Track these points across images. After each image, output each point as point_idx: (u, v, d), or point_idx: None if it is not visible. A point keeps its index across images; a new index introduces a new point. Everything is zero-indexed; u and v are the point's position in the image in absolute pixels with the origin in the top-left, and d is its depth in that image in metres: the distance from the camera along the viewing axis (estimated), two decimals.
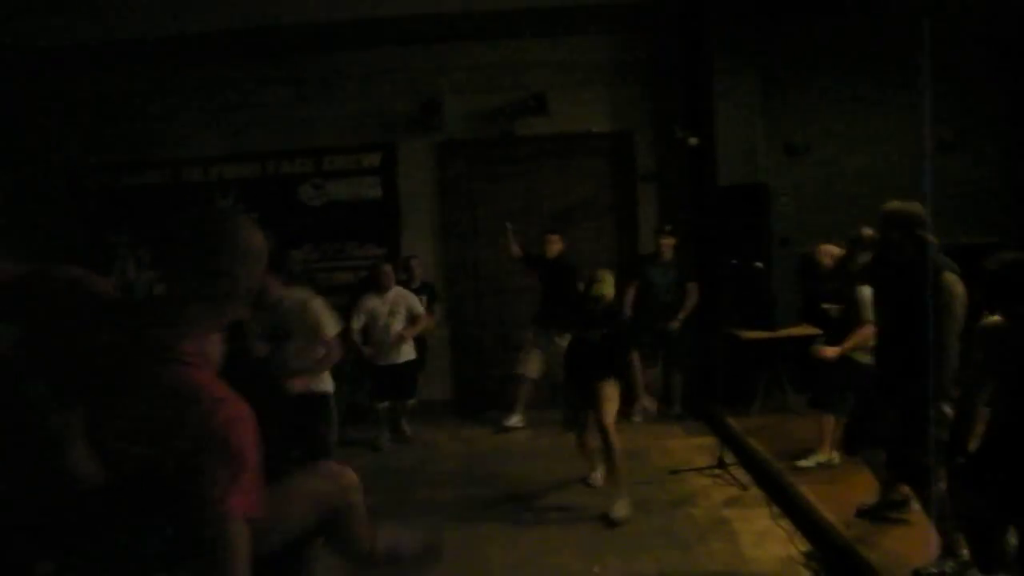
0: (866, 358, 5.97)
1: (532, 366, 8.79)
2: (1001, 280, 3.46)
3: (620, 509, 6.04)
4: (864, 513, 5.48)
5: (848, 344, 6.25)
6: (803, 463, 6.66)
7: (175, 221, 2.10)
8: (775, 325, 8.44)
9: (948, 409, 4.23)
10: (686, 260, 9.06)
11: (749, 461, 7.15)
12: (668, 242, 8.90)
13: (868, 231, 4.75)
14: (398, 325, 8.20)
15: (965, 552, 4.46)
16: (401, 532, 3.06)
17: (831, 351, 6.31)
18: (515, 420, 8.84)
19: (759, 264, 8.14)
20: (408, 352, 8.37)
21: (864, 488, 5.57)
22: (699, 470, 7.04)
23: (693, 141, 9.00)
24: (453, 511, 6.42)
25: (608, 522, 5.98)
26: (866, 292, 6.13)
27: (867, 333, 6.01)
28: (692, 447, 7.82)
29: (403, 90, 9.67)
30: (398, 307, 8.21)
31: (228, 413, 1.83)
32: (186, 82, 9.77)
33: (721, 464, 7.02)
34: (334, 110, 9.72)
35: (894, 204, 4.60)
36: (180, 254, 2.04)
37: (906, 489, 5.09)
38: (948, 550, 4.55)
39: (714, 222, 8.91)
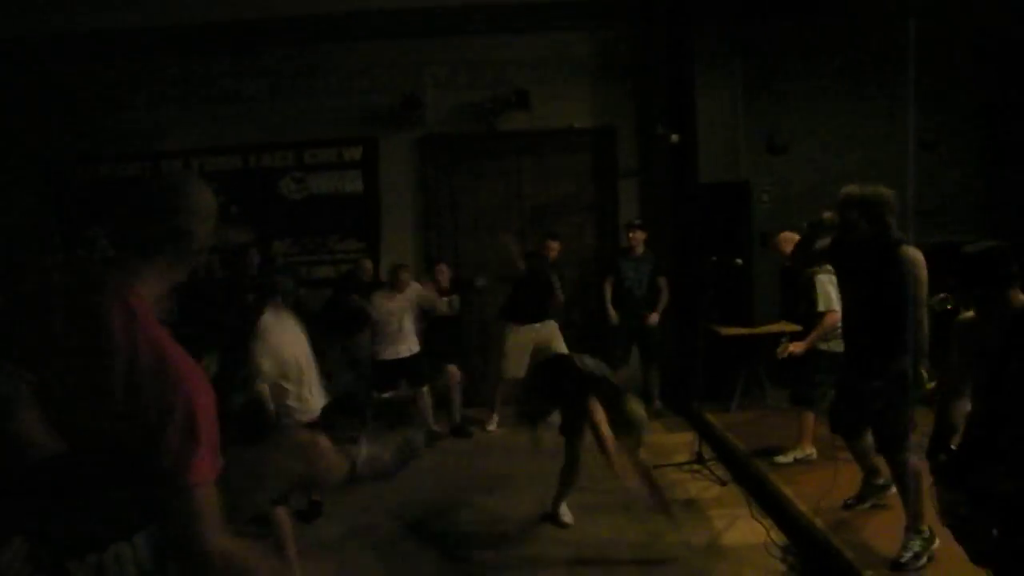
0: (836, 345, 6.12)
1: (509, 365, 8.54)
2: (980, 263, 3.49)
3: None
4: (850, 506, 5.59)
5: (813, 336, 6.38)
6: (781, 459, 6.70)
7: (134, 190, 2.13)
8: (755, 322, 8.47)
9: (924, 371, 4.49)
10: (659, 255, 9.05)
11: (728, 457, 7.17)
12: (638, 236, 8.85)
13: (828, 214, 4.87)
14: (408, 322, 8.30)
15: (926, 528, 4.66)
16: (375, 442, 3.03)
17: (797, 346, 6.50)
18: (494, 424, 8.81)
19: (739, 261, 8.17)
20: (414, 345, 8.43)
21: (843, 481, 5.59)
22: (678, 465, 7.06)
23: (675, 138, 9.01)
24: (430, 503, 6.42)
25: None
26: (824, 280, 6.26)
27: (831, 322, 6.23)
28: (671, 443, 7.83)
29: (385, 84, 9.63)
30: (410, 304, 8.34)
31: (188, 380, 1.82)
32: (167, 74, 9.71)
33: (700, 459, 7.04)
34: (316, 104, 9.68)
35: (852, 187, 4.78)
36: (140, 216, 2.06)
37: (887, 472, 5.16)
38: (912, 525, 4.72)
39: (695, 219, 8.92)
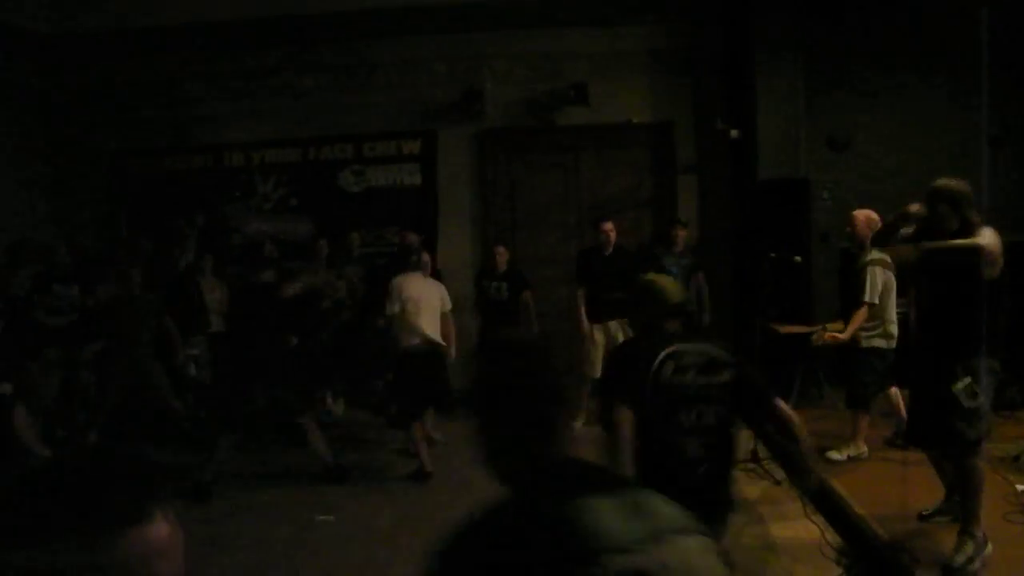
0: (883, 342, 6.37)
1: (595, 364, 8.39)
2: None
3: None
4: (925, 518, 5.30)
5: (851, 327, 6.45)
6: (834, 455, 6.67)
7: None
8: (813, 320, 8.38)
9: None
10: (711, 252, 9.12)
11: (785, 457, 7.10)
12: (682, 233, 8.80)
13: (916, 206, 4.79)
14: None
15: (980, 532, 4.57)
16: None
17: (837, 336, 6.59)
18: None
19: (798, 258, 8.08)
20: None
21: (894, 482, 5.53)
22: None
23: (734, 133, 8.94)
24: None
25: None
26: (877, 272, 6.34)
27: (864, 312, 6.35)
28: None
29: (444, 78, 9.70)
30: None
31: None
32: (228, 68, 9.88)
33: (755, 458, 6.98)
34: (375, 97, 9.77)
35: (942, 180, 4.68)
36: None
37: None
38: (966, 528, 4.62)
39: (754, 215, 8.85)
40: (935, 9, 8.43)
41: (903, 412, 6.22)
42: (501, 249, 8.71)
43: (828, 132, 9.15)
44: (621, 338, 8.19)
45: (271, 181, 9.96)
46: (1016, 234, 7.52)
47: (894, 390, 6.59)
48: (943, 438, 4.84)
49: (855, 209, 8.38)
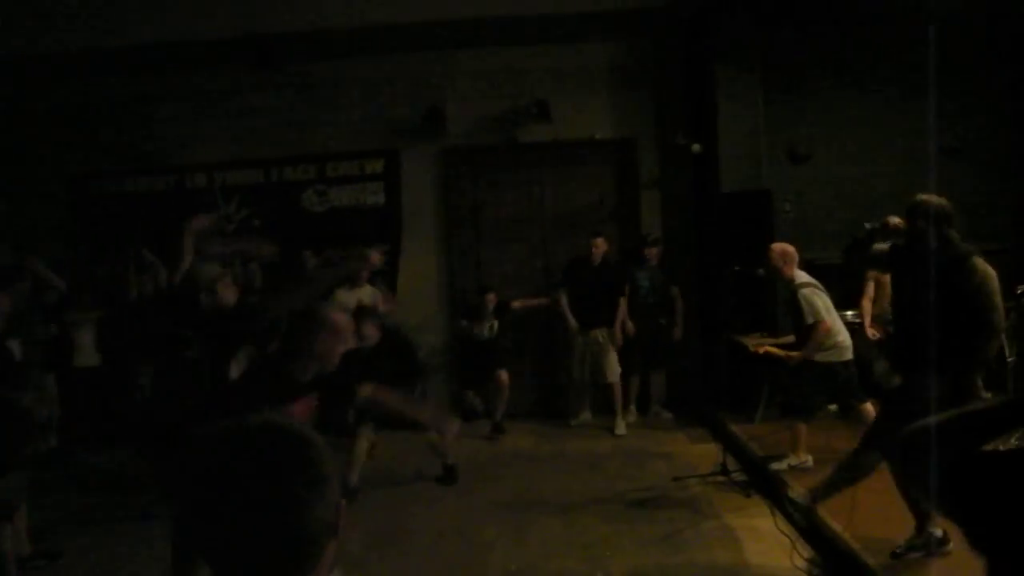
0: (831, 356, 6.44)
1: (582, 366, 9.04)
2: None
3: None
4: (897, 555, 5.03)
5: (808, 348, 6.53)
6: (776, 466, 6.76)
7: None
8: (777, 332, 8.42)
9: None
10: (676, 265, 9.26)
11: (752, 468, 7.13)
12: (653, 252, 9.12)
13: (896, 219, 4.83)
14: None
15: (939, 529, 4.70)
16: None
17: (792, 356, 6.72)
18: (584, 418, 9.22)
19: (761, 271, 8.13)
20: None
21: (864, 489, 5.56)
22: (702, 477, 7.01)
23: (696, 148, 9.02)
24: (455, 514, 6.42)
25: None
26: (807, 294, 6.46)
27: (823, 331, 6.41)
28: (695, 454, 7.79)
29: (406, 96, 9.67)
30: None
31: None
32: (189, 88, 9.78)
33: (724, 471, 6.99)
34: (337, 116, 9.73)
35: (923, 195, 4.73)
36: None
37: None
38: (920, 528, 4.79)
39: (717, 228, 8.91)
40: (891, 22, 8.55)
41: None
42: (491, 296, 8.97)
43: (789, 144, 9.24)
44: (602, 342, 8.85)
45: (233, 202, 9.87)
46: (974, 243, 7.65)
47: (868, 406, 6.60)
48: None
49: (817, 219, 8.51)
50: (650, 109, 9.67)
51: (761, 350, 7.02)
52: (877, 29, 8.83)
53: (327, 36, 9.26)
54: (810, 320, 6.46)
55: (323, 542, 1.25)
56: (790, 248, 6.78)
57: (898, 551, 4.99)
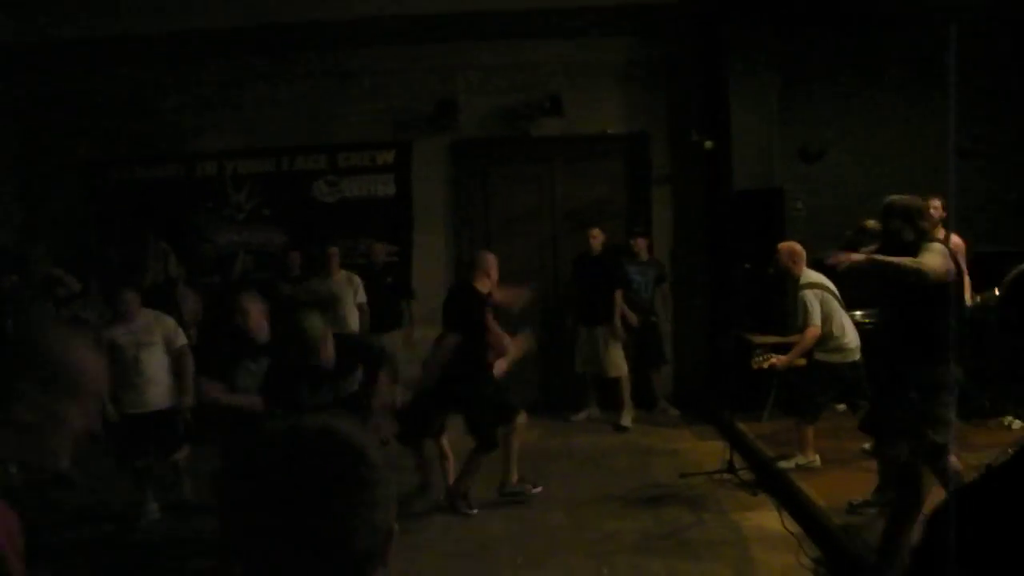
0: (835, 357, 6.43)
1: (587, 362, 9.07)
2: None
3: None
4: (854, 508, 5.54)
5: (793, 352, 6.58)
6: (783, 464, 6.72)
7: None
8: (787, 330, 8.39)
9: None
10: (684, 262, 9.38)
11: (759, 465, 7.11)
12: (640, 242, 9.09)
13: (871, 222, 4.91)
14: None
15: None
16: None
17: (779, 360, 6.71)
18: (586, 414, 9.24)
19: (772, 269, 8.10)
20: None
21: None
22: (709, 474, 7.00)
23: (709, 144, 8.98)
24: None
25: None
26: (810, 296, 6.44)
27: (811, 337, 6.41)
28: (702, 451, 7.78)
29: (419, 89, 9.66)
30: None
31: None
32: (202, 78, 9.79)
33: (731, 468, 6.98)
34: (350, 107, 9.72)
35: (894, 196, 4.82)
36: None
37: None
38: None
39: (728, 226, 8.87)
40: (906, 22, 8.51)
41: None
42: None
43: (802, 143, 9.20)
44: (601, 341, 8.84)
45: (244, 191, 9.89)
46: (986, 245, 7.61)
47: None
48: (910, 440, 4.93)
49: (829, 218, 8.48)
50: (663, 105, 9.64)
51: (764, 365, 6.93)
52: (891, 29, 8.77)
53: (340, 27, 9.24)
54: (802, 323, 6.49)
55: (366, 570, 1.16)
56: (798, 247, 6.76)
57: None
